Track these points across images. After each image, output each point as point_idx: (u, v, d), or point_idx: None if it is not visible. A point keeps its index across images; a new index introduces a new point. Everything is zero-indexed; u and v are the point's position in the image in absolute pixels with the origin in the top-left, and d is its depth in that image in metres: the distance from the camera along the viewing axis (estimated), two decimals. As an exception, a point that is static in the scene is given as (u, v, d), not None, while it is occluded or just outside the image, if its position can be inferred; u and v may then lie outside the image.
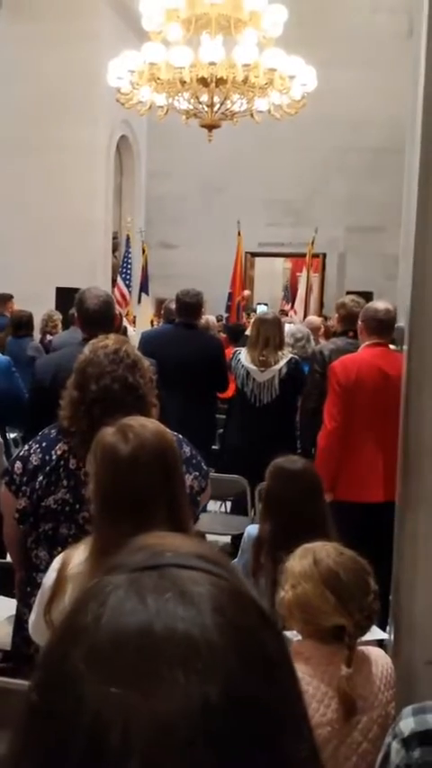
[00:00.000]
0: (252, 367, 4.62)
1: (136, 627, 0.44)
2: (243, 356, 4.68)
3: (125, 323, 7.20)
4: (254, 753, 0.43)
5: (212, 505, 5.14)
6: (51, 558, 2.07)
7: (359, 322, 3.82)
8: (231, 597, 0.48)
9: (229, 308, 10.86)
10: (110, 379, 2.04)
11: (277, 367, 4.59)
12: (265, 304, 12.21)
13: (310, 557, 1.67)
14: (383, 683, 1.67)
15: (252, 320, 4.90)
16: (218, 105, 6.29)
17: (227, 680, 0.43)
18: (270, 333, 4.65)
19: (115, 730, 0.41)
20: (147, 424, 1.63)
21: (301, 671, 1.59)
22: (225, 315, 10.71)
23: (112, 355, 2.07)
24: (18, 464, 2.17)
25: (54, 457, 2.12)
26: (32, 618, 1.79)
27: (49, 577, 1.71)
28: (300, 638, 1.70)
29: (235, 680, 0.43)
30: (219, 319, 9.60)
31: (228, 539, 4.69)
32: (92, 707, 0.42)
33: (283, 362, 4.60)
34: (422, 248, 2.23)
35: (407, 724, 1.28)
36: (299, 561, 1.68)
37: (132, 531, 1.30)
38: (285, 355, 4.68)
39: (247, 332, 5.99)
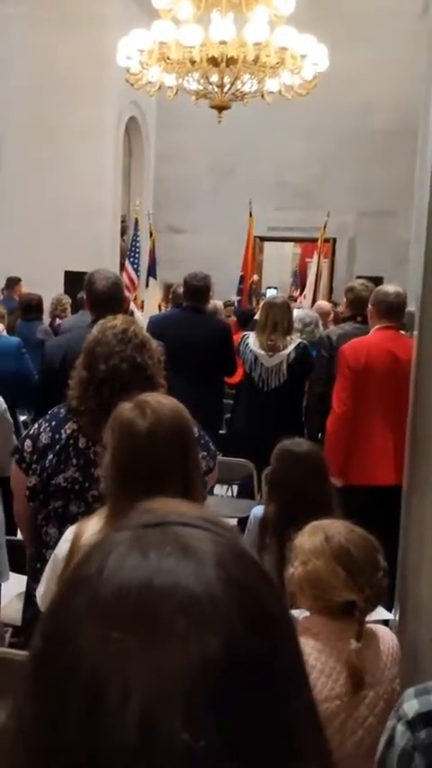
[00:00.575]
0: (260, 351, 4.60)
1: (138, 579, 0.45)
2: (251, 340, 4.67)
3: (133, 307, 7.19)
4: (254, 704, 0.43)
5: (219, 489, 5.15)
6: (61, 535, 2.09)
7: (369, 306, 3.80)
8: (234, 554, 0.48)
9: (240, 291, 10.78)
10: (118, 359, 2.05)
11: (285, 352, 4.57)
12: (275, 288, 12.17)
13: (321, 533, 1.68)
14: (389, 660, 1.69)
15: (261, 304, 4.91)
16: (228, 86, 6.24)
17: (228, 633, 0.43)
18: (278, 317, 4.64)
19: (115, 677, 0.41)
20: (163, 401, 1.65)
21: (310, 646, 1.60)
22: (237, 298, 10.65)
23: (121, 335, 2.08)
24: (28, 442, 2.19)
25: (64, 436, 2.14)
26: (41, 589, 1.79)
27: (62, 548, 1.71)
28: (307, 614, 1.72)
29: (236, 633, 0.44)
30: (227, 304, 9.57)
31: (234, 521, 4.71)
32: (92, 652, 0.43)
33: (291, 347, 4.58)
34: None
35: (411, 706, 1.28)
36: (309, 538, 1.69)
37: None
38: (294, 340, 4.66)
39: (256, 316, 5.98)
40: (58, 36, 9.59)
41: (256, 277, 11.79)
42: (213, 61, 5.95)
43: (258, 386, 4.61)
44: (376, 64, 11.67)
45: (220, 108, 6.44)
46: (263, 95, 6.50)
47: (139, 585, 0.44)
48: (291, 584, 1.70)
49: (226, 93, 6.28)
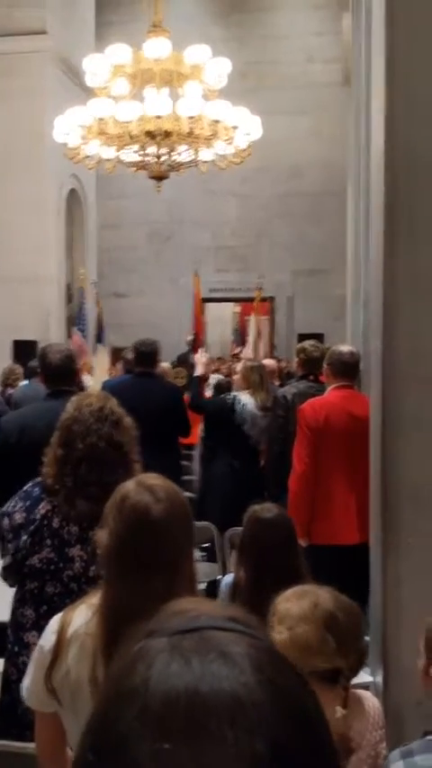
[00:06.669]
0: (257, 412, 4.66)
1: (184, 687, 0.46)
2: (247, 400, 4.69)
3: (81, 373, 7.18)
4: None
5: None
6: (37, 616, 2.06)
7: (325, 365, 3.88)
8: (268, 656, 0.50)
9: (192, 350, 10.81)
10: (96, 437, 2.04)
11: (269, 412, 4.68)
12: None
13: (308, 599, 1.67)
14: (371, 724, 1.69)
15: (245, 366, 5.03)
16: (165, 157, 6.41)
17: (272, 735, 0.45)
18: (266, 378, 4.79)
19: None
20: (166, 483, 1.59)
21: None
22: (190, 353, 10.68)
23: (98, 413, 2.08)
24: (6, 521, 2.15)
25: (38, 516, 2.11)
26: (27, 683, 1.68)
27: (48, 640, 1.62)
28: None
29: (280, 735, 0.45)
30: (173, 365, 9.62)
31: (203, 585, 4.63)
32: (147, 763, 0.43)
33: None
34: (392, 292, 2.30)
35: None
36: (296, 603, 1.67)
37: (164, 588, 1.31)
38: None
39: (229, 376, 6.06)
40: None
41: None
42: (150, 134, 6.11)
43: (253, 446, 4.71)
44: (304, 129, 12.22)
45: (158, 178, 6.61)
46: (198, 165, 6.70)
47: (186, 694, 0.46)
48: None
49: (163, 164, 6.45)
